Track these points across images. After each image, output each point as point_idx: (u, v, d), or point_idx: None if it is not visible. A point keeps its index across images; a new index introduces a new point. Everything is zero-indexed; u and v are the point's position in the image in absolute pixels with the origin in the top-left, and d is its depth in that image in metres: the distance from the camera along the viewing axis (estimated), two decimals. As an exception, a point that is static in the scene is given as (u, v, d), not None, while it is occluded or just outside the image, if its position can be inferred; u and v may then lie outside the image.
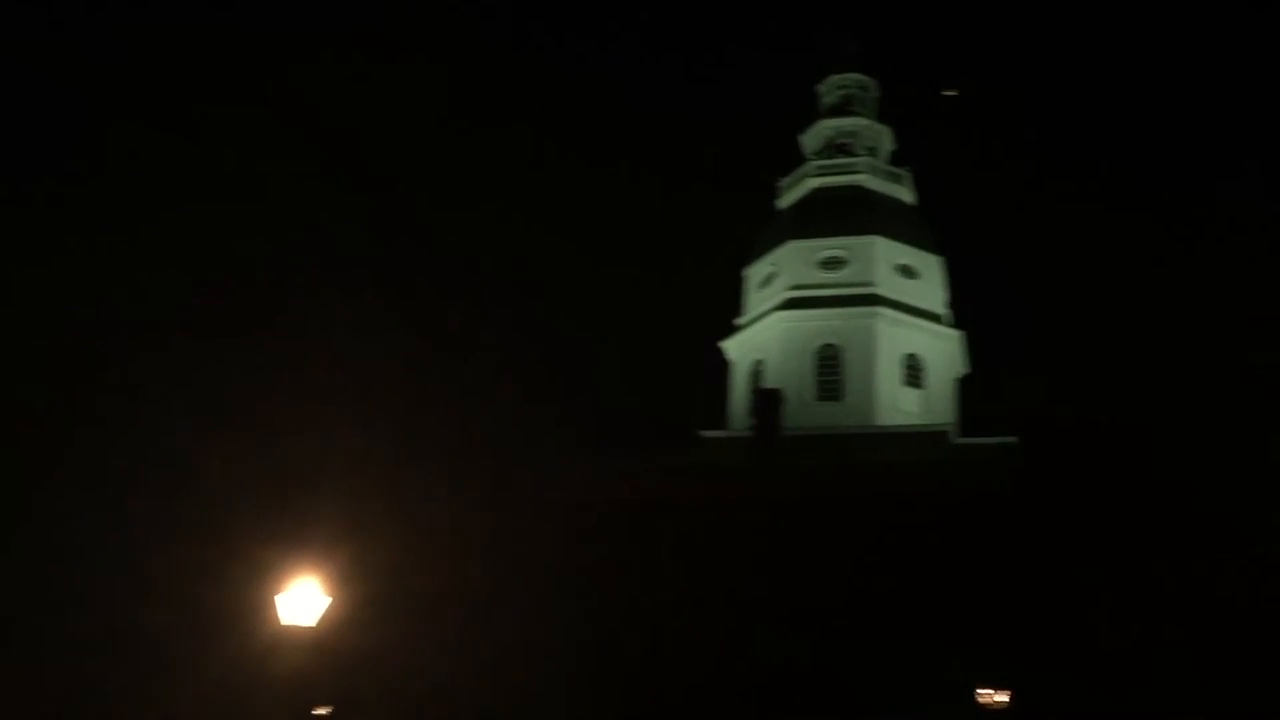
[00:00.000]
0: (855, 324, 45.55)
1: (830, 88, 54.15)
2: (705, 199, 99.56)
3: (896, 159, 52.97)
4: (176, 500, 36.46)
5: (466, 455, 39.18)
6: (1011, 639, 31.95)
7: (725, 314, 50.18)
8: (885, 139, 53.11)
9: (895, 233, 47.84)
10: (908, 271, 47.41)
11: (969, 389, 48.33)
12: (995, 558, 33.55)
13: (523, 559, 35.81)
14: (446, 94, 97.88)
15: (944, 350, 47.04)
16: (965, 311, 49.29)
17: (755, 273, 49.62)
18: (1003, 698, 30.82)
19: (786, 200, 51.66)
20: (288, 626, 18.28)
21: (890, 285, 46.56)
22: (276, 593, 18.32)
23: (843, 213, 48.10)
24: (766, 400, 42.06)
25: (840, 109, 53.45)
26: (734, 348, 49.06)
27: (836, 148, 52.16)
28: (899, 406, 44.66)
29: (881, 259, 46.92)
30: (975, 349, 48.84)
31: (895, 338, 45.62)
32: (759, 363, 47.17)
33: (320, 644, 19.29)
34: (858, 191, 49.52)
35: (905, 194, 51.13)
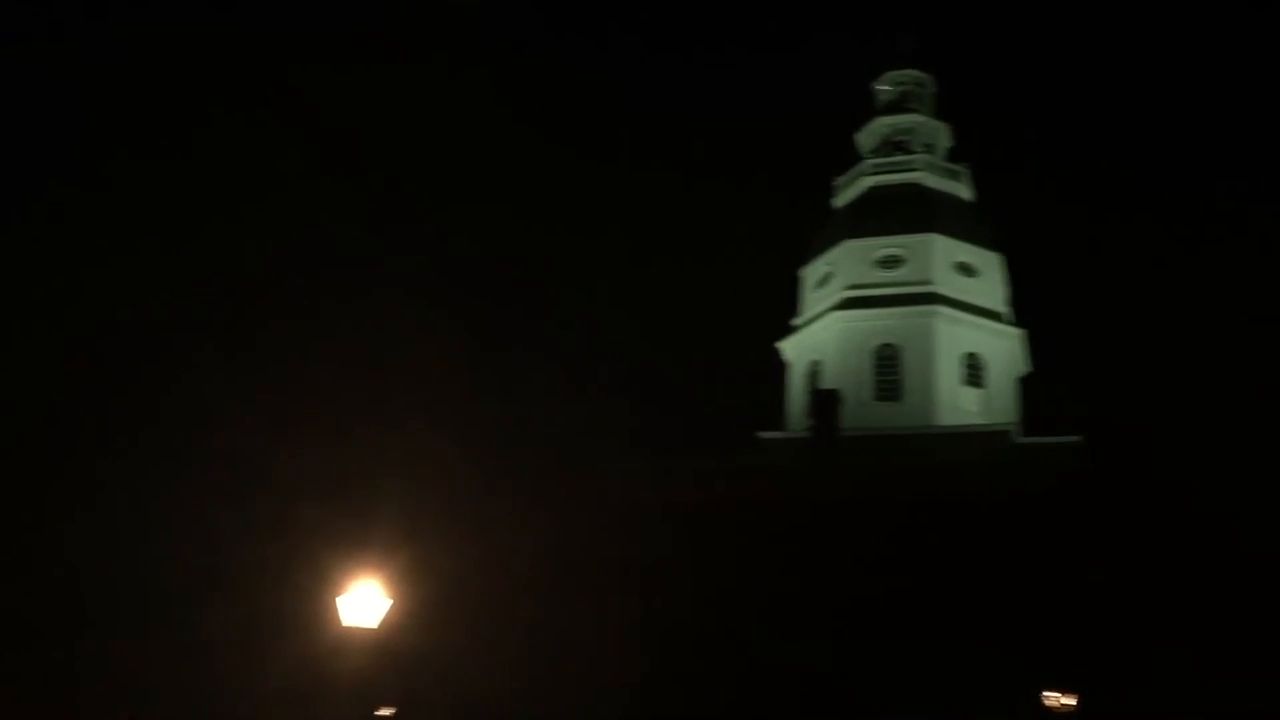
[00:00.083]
0: (914, 323, 45.09)
1: (886, 85, 53.70)
2: (761, 200, 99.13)
3: (954, 155, 52.41)
4: (241, 502, 36.98)
5: (525, 457, 39.36)
6: (1077, 641, 31.45)
7: (782, 315, 49.97)
8: (943, 135, 52.55)
9: (954, 230, 47.30)
10: (967, 269, 46.85)
11: (1031, 388, 47.76)
12: (1059, 559, 33.04)
13: (582, 560, 35.87)
14: (490, 94, 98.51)
15: (1005, 349, 46.43)
16: (1027, 309, 48.70)
17: (811, 273, 49.30)
18: (1070, 700, 30.34)
19: (842, 199, 51.29)
20: (350, 628, 18.44)
21: (949, 283, 46.03)
22: (338, 594, 18.49)
23: (900, 211, 47.65)
24: (824, 401, 41.76)
25: (896, 106, 52.97)
26: (791, 348, 48.79)
27: (893, 145, 51.69)
28: (959, 406, 44.13)
29: (940, 257, 46.41)
30: (1037, 347, 48.23)
31: (954, 336, 45.10)
32: (816, 363, 46.85)
33: (382, 645, 19.44)
34: (915, 189, 49.05)
35: (963, 191, 50.56)
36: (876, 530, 35.32)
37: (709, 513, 36.83)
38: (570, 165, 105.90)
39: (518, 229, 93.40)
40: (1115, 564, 32.23)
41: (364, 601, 18.35)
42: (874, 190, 49.70)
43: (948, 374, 44.54)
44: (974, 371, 45.24)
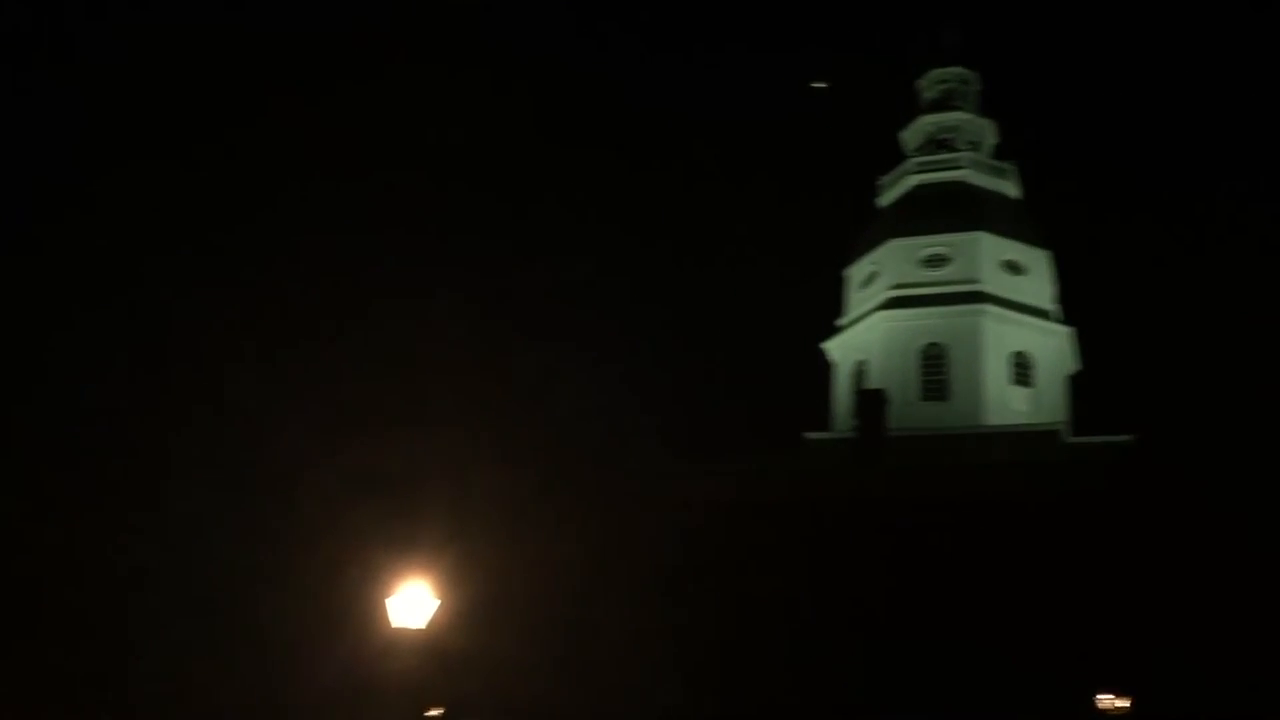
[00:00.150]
0: (960, 322, 44.74)
1: (930, 82, 53.36)
2: (806, 200, 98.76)
3: (1000, 152, 51.94)
4: (289, 503, 37.36)
5: (571, 458, 39.46)
6: (1130, 644, 31.04)
7: (827, 315, 49.76)
8: (989, 133, 52.14)
9: (1000, 228, 46.90)
10: (1014, 267, 46.42)
11: (1081, 387, 47.26)
12: (1111, 560, 32.64)
13: (627, 562, 35.89)
14: (532, 97, 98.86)
15: (1054, 347, 45.96)
16: (1076, 307, 48.14)
17: (856, 273, 49.08)
18: (1123, 703, 29.98)
19: (887, 198, 51.01)
20: (399, 629, 18.57)
21: (996, 282, 45.63)
22: (387, 595, 18.62)
23: (945, 209, 47.32)
24: (870, 401, 41.56)
25: (941, 104, 52.62)
26: (836, 349, 48.59)
27: (938, 143, 51.37)
28: (1008, 406, 43.72)
29: (986, 255, 46.03)
30: (1087, 345, 47.70)
31: (1002, 335, 44.72)
32: (862, 363, 46.63)
33: (431, 646, 19.55)
34: (960, 187, 48.70)
35: (1010, 188, 50.11)
36: (924, 532, 35.06)
37: (754, 514, 36.75)
38: (616, 167, 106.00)
39: (567, 231, 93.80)
40: (1167, 565, 31.77)
41: (412, 602, 18.47)
42: (919, 189, 49.39)
43: (995, 373, 44.15)
44: (1022, 370, 44.82)
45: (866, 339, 46.61)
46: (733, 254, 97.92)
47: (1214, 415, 36.02)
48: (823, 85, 53.39)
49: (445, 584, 19.81)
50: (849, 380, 47.01)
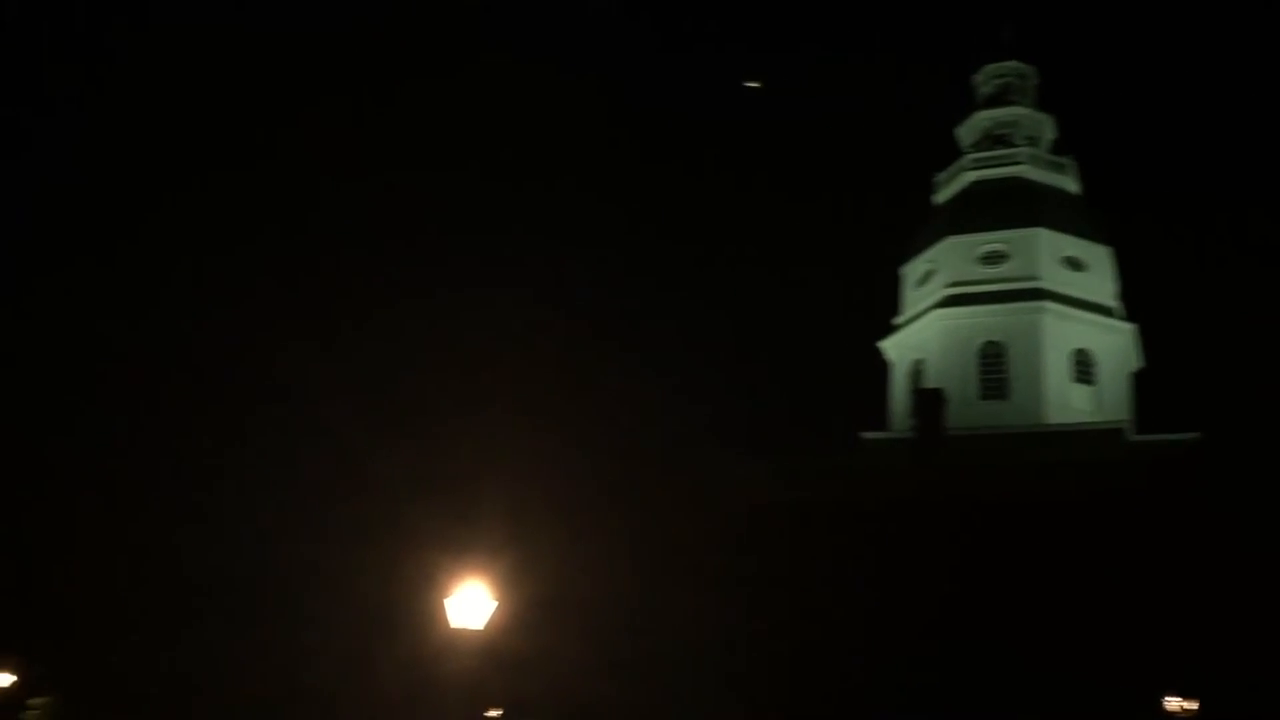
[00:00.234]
0: (1019, 320, 44.20)
1: (986, 78, 52.76)
2: (861, 198, 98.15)
3: (1059, 147, 51.21)
4: (347, 502, 37.72)
5: (629, 458, 39.48)
6: (1197, 646, 30.43)
7: (883, 314, 49.40)
8: (1046, 128, 51.45)
9: (1059, 224, 46.25)
10: (1074, 264, 45.75)
11: (1145, 384, 46.48)
12: (1177, 560, 32.01)
13: (685, 562, 35.82)
14: (602, 100, 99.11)
15: (1116, 344, 45.22)
16: (1139, 303, 47.35)
17: (912, 271, 48.66)
18: (1191, 705, 29.39)
19: (943, 195, 50.50)
20: (457, 629, 18.62)
21: (1056, 278, 45.00)
22: (445, 596, 18.68)
23: (1003, 205, 46.77)
24: (928, 400, 41.18)
25: (997, 99, 52.01)
26: (893, 347, 48.21)
27: (995, 139, 50.78)
28: (1069, 404, 43.09)
29: (1045, 251, 45.42)
30: (1150, 341, 46.90)
31: (1063, 333, 44.10)
32: (919, 362, 46.23)
33: (489, 647, 19.59)
34: (1018, 183, 48.10)
35: (1069, 183, 49.40)
36: (984, 532, 34.63)
37: (812, 515, 36.53)
38: (675, 169, 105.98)
39: (625, 230, 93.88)
40: (1236, 565, 31.12)
41: (470, 603, 18.51)
42: (976, 185, 48.85)
43: (1056, 371, 43.55)
44: (1084, 368, 44.17)
45: (923, 337, 46.19)
46: (790, 254, 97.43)
47: (1282, 411, 35.17)
48: (756, 85, 53.42)
49: (503, 585, 19.85)
50: (906, 379, 46.63)
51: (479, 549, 21.60)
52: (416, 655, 28.64)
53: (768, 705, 33.61)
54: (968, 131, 51.88)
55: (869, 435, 44.03)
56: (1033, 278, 44.84)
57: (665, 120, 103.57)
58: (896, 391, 47.25)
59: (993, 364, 44.15)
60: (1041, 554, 33.93)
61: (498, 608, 19.07)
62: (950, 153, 51.96)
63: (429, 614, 21.41)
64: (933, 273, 47.16)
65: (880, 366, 48.64)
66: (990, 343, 44.41)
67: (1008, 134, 50.71)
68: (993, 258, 45.85)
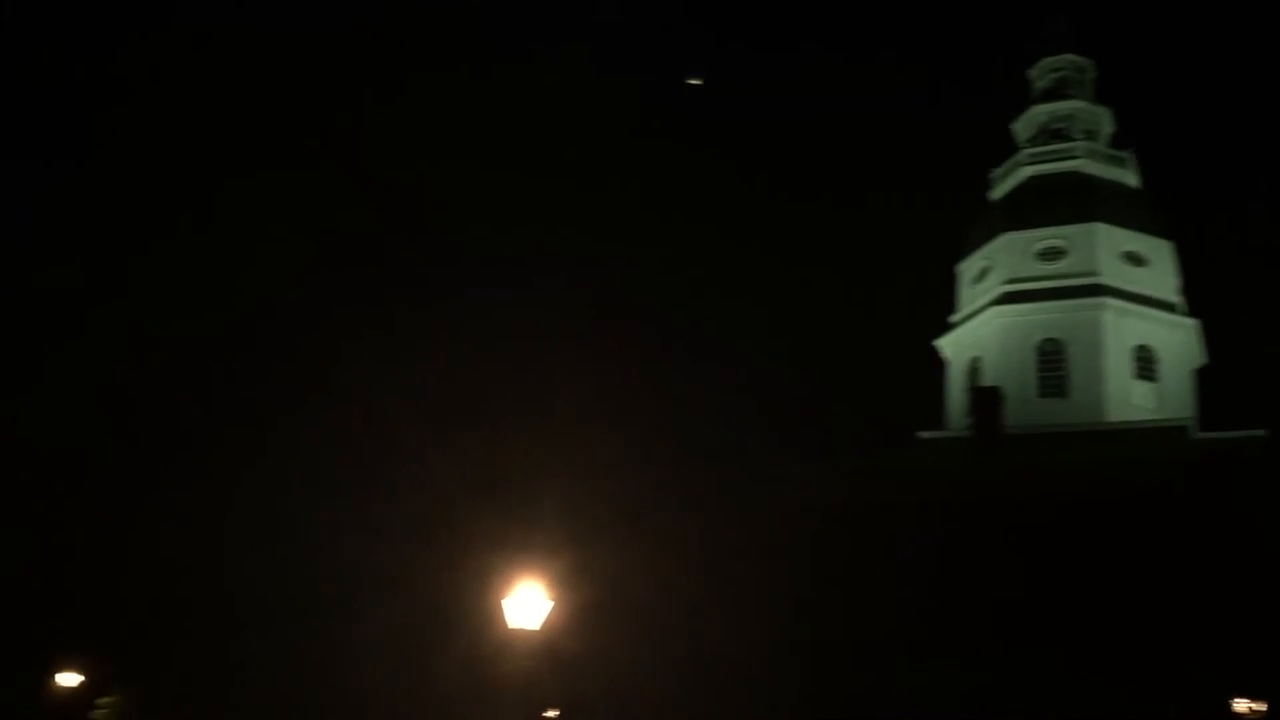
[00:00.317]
0: (1079, 316, 43.59)
1: (1042, 71, 52.03)
2: (916, 196, 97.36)
3: (1118, 141, 50.44)
4: (404, 501, 38.03)
5: (685, 460, 39.47)
6: (1265, 646, 29.84)
7: (940, 312, 48.93)
8: (1104, 121, 50.68)
9: (1119, 218, 45.54)
10: (1134, 259, 45.02)
11: (1209, 380, 45.62)
12: (1244, 559, 31.41)
13: (742, 564, 35.72)
14: (647, 99, 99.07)
15: (1179, 340, 44.44)
16: (1203, 298, 46.51)
17: (968, 268, 48.17)
18: (1260, 707, 28.84)
19: (999, 191, 49.92)
20: (514, 629, 18.70)
21: (1116, 274, 44.31)
22: (502, 596, 18.77)
23: (1060, 200, 46.14)
24: (986, 399, 40.75)
25: (1054, 93, 51.29)
26: (949, 346, 47.76)
27: (1051, 133, 50.09)
28: (1130, 401, 42.41)
29: (1104, 247, 44.74)
30: (1214, 337, 46.05)
31: (1124, 329, 43.42)
32: (976, 360, 45.75)
33: (546, 648, 19.66)
34: (1076, 177, 47.42)
35: (1129, 177, 48.61)
36: (1046, 532, 34.21)
37: (869, 514, 36.30)
38: (731, 169, 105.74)
39: (680, 231, 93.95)
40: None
41: (528, 603, 18.58)
42: (1032, 180, 48.25)
43: (1117, 368, 42.89)
44: (1146, 365, 43.46)
45: (980, 335, 45.71)
46: (846, 253, 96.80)
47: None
48: (699, 81, 53.13)
49: (560, 585, 19.91)
50: (963, 377, 46.17)
51: (536, 549, 21.69)
52: (473, 655, 28.82)
53: (825, 706, 33.41)
54: (1024, 126, 51.23)
55: (926, 434, 43.64)
56: (1092, 273, 44.21)
57: (716, 120, 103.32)
58: (953, 390, 46.80)
59: (1051, 361, 43.60)
60: (1104, 554, 33.45)
61: (555, 608, 19.13)
62: (1006, 148, 51.38)
63: (486, 614, 21.53)
64: (989, 269, 46.65)
65: (937, 365, 48.23)
66: (1049, 340, 43.85)
67: (1064, 128, 50.01)
68: (1050, 253, 45.27)
